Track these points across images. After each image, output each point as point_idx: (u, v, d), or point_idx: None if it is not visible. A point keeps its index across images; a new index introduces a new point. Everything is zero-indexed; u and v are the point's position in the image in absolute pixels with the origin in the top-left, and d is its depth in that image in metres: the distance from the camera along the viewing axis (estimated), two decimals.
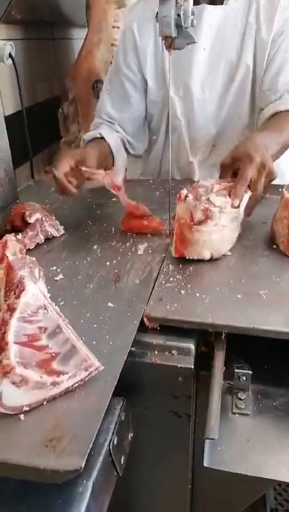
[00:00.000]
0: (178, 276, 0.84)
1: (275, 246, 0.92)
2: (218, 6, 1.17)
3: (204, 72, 1.23)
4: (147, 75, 1.27)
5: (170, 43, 0.81)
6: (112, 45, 1.75)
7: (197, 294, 0.78)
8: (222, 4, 1.17)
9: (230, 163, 0.97)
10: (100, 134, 1.25)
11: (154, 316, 0.74)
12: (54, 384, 0.56)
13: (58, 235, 1.04)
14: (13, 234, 0.96)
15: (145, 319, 0.74)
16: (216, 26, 1.17)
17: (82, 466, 0.49)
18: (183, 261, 0.88)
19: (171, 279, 0.83)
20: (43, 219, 1.00)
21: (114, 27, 1.74)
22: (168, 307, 0.75)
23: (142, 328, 0.73)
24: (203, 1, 1.17)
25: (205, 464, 0.61)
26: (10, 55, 1.12)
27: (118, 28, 1.74)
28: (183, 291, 0.79)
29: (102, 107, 1.35)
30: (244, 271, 0.85)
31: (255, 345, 0.83)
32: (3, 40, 1.10)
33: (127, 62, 1.29)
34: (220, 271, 0.86)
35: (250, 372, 0.72)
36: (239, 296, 0.77)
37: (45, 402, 0.56)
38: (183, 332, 0.73)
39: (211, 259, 0.87)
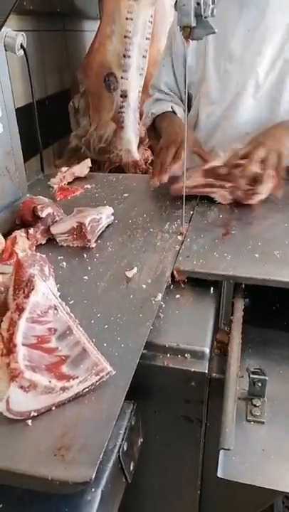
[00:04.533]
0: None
1: None
2: None
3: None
4: (188, 56, 1.28)
5: (188, 33, 0.77)
6: (124, 37, 1.72)
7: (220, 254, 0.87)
8: None
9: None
10: (172, 107, 1.34)
11: (183, 269, 0.82)
12: (63, 389, 0.54)
13: None
14: (22, 230, 0.94)
15: (175, 272, 0.82)
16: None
17: (93, 477, 0.46)
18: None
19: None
20: (55, 213, 0.98)
21: (127, 18, 1.70)
22: (194, 262, 0.84)
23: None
24: None
25: (219, 475, 0.59)
26: (21, 46, 1.09)
27: (131, 19, 1.70)
28: (207, 251, 0.88)
29: (159, 80, 1.41)
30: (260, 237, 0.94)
31: (270, 350, 0.80)
32: (14, 30, 1.07)
33: (176, 41, 1.33)
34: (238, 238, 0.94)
35: (266, 378, 0.69)
36: (257, 255, 0.86)
37: (53, 408, 0.54)
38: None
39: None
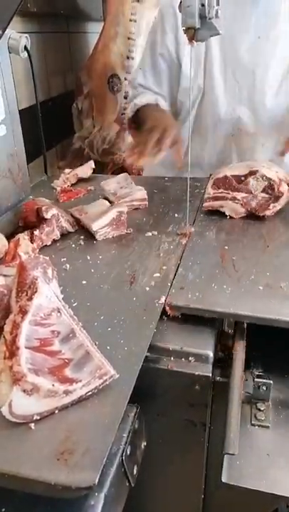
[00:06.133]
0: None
1: None
2: None
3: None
4: (182, 60, 1.23)
5: (193, 35, 0.77)
6: (128, 38, 1.72)
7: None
8: None
9: None
10: (156, 100, 1.27)
11: (176, 304, 0.73)
12: (66, 392, 0.53)
13: (73, 231, 1.01)
14: (25, 232, 0.94)
15: (167, 307, 0.73)
16: None
17: (96, 482, 0.46)
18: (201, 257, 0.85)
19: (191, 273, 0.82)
20: (59, 214, 0.98)
21: (130, 20, 1.70)
22: (190, 296, 0.74)
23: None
24: None
25: (223, 480, 0.58)
26: (25, 48, 1.09)
27: (135, 21, 1.70)
28: (204, 281, 0.78)
29: (135, 80, 1.35)
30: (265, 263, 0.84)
31: (275, 354, 0.79)
32: (18, 32, 1.07)
33: (164, 42, 1.25)
34: (240, 265, 0.84)
35: (271, 381, 0.68)
36: (261, 287, 0.76)
37: (56, 411, 0.53)
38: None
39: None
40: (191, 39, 0.78)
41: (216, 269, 0.82)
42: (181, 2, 0.74)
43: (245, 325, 0.75)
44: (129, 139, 1.83)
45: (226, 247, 0.90)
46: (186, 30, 0.77)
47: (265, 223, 1.00)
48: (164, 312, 0.74)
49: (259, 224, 1.00)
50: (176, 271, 0.82)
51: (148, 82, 1.31)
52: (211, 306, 0.72)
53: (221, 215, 1.05)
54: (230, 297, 0.74)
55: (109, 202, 1.10)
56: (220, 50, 1.21)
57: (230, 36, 1.15)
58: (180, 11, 0.75)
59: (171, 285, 0.78)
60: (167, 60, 1.27)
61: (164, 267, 0.85)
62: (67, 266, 0.87)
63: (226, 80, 1.22)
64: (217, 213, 1.05)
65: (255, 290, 0.76)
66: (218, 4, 0.73)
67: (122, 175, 1.23)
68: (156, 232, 0.99)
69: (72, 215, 1.04)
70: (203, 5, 0.73)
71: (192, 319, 0.73)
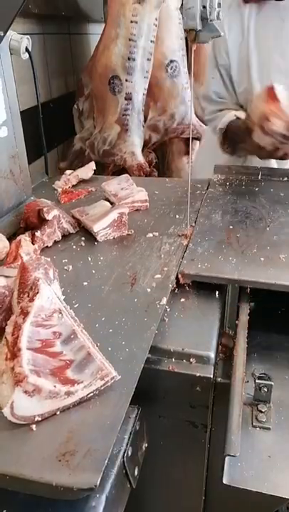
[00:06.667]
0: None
1: None
2: None
3: None
4: (232, 69, 1.33)
5: (194, 36, 0.77)
6: (129, 40, 1.71)
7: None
8: None
9: None
10: (235, 115, 1.34)
11: (188, 272, 0.82)
12: (68, 393, 0.53)
13: (74, 232, 1.01)
14: (27, 233, 0.94)
15: (179, 276, 0.82)
16: None
17: (97, 483, 0.46)
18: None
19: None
20: (60, 215, 0.98)
21: (132, 21, 1.70)
22: (199, 266, 0.84)
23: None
24: None
25: (224, 482, 0.58)
26: (27, 49, 1.10)
27: (136, 22, 1.70)
28: (212, 254, 0.88)
29: (209, 90, 1.43)
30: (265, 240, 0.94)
31: (275, 355, 0.80)
32: (20, 34, 1.08)
33: (220, 53, 1.36)
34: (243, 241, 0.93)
35: (272, 383, 0.68)
36: (262, 259, 0.86)
37: (58, 413, 0.53)
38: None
39: None
40: (192, 41, 0.78)
41: (222, 245, 0.92)
42: (182, 4, 0.75)
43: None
44: (130, 139, 1.83)
45: (231, 227, 1.00)
46: (188, 32, 0.78)
47: (266, 207, 1.10)
48: (177, 282, 0.83)
49: (261, 208, 1.10)
50: (187, 246, 0.92)
51: (221, 89, 1.41)
52: (218, 273, 0.82)
53: (220, 217, 1.06)
54: (235, 267, 0.83)
55: (110, 203, 1.10)
56: (256, 58, 1.29)
57: (265, 43, 1.26)
58: (181, 13, 0.75)
59: (182, 258, 0.88)
60: (226, 69, 1.37)
61: (165, 268, 0.85)
62: (69, 267, 0.87)
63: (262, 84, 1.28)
64: (215, 216, 1.07)
65: (257, 261, 0.85)
66: (219, 6, 0.73)
67: (122, 176, 1.23)
68: (157, 234, 0.99)
69: (73, 217, 1.04)
70: (204, 7, 0.73)
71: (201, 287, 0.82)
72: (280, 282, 0.78)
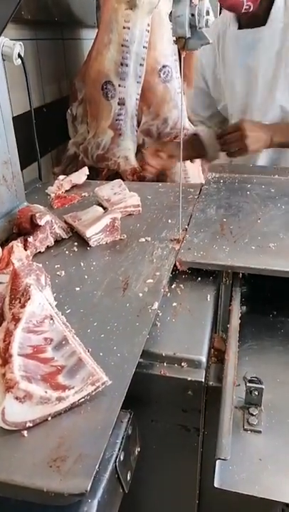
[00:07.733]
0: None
1: None
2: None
3: None
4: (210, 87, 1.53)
5: (183, 44, 0.78)
6: (122, 45, 1.72)
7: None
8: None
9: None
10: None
11: (185, 260, 0.88)
12: (59, 399, 0.53)
13: (67, 237, 1.02)
14: (18, 239, 0.94)
15: (177, 263, 0.89)
16: None
17: (88, 489, 0.46)
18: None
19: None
20: (53, 221, 0.98)
21: (124, 27, 1.71)
22: (195, 254, 0.90)
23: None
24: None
25: (216, 485, 0.58)
26: (19, 55, 1.10)
27: (128, 28, 1.71)
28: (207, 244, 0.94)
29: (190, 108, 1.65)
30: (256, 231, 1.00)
31: (266, 358, 0.80)
32: (12, 40, 1.08)
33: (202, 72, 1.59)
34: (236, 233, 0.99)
35: (263, 386, 0.69)
36: (253, 247, 0.92)
37: (49, 418, 0.53)
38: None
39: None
40: (182, 48, 0.79)
41: (217, 236, 0.98)
42: (171, 12, 0.76)
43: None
44: (123, 144, 1.85)
45: (225, 220, 1.06)
46: (177, 40, 0.78)
47: (258, 202, 1.16)
48: (175, 269, 0.89)
49: (252, 203, 1.16)
50: (184, 239, 0.97)
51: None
52: (213, 260, 0.88)
53: (214, 212, 1.11)
54: (228, 254, 0.90)
55: (103, 208, 1.10)
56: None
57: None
58: (170, 21, 0.76)
59: (180, 247, 0.94)
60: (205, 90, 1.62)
61: (158, 273, 0.86)
62: (61, 272, 0.87)
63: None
64: (210, 211, 1.12)
65: (248, 249, 0.92)
66: (208, 14, 0.74)
67: (115, 181, 1.24)
68: (149, 238, 1.00)
69: (66, 222, 1.04)
70: (193, 15, 0.74)
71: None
72: (269, 267, 0.84)
